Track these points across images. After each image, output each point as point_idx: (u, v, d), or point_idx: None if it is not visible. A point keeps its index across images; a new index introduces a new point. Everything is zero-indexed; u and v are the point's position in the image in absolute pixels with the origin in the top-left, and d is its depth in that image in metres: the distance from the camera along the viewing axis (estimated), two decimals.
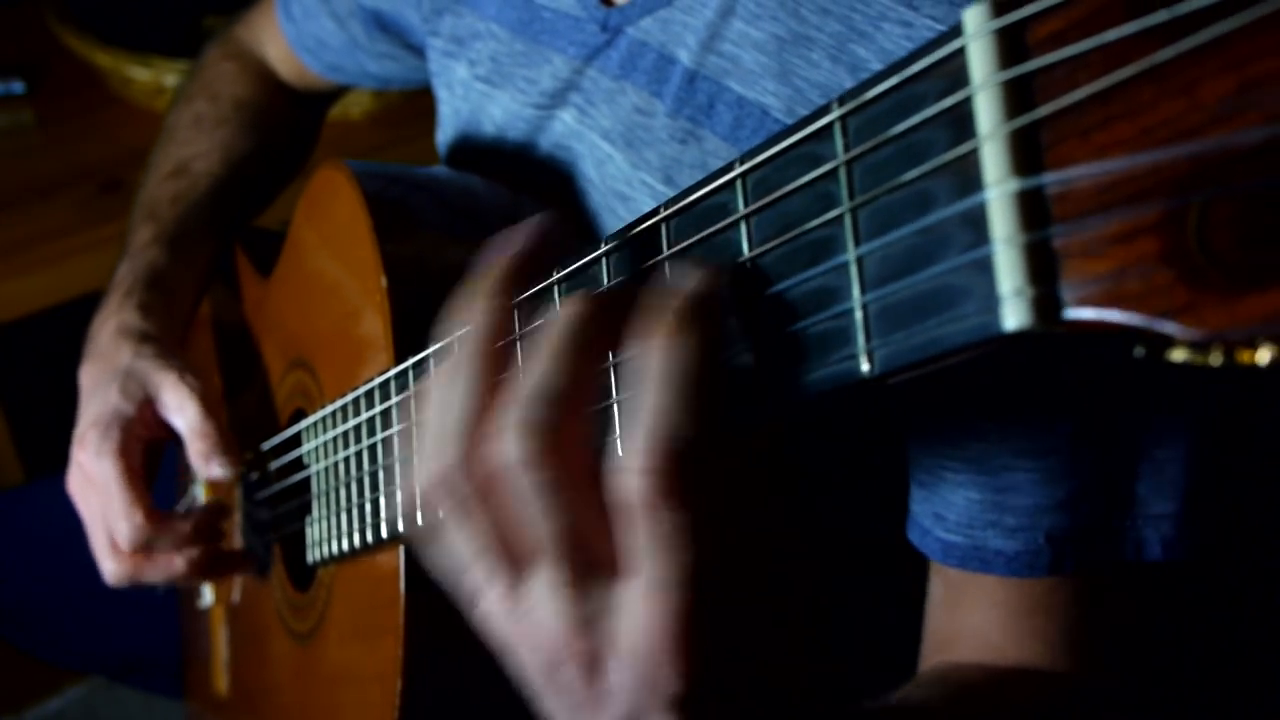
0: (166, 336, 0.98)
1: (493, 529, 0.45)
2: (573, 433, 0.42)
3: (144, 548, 0.91)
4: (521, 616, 0.45)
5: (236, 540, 1.05)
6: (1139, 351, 0.28)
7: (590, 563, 0.43)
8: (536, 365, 0.43)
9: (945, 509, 0.68)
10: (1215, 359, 0.26)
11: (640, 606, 0.42)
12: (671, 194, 0.72)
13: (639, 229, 0.47)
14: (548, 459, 0.41)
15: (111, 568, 0.93)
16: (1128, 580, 0.69)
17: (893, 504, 0.75)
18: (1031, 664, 0.68)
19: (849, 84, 0.64)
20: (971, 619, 0.70)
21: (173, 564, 0.93)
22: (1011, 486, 0.66)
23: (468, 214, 0.82)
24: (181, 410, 0.92)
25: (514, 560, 0.45)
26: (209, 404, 0.92)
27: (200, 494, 1.09)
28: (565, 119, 0.81)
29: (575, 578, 0.43)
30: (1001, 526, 0.66)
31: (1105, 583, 0.69)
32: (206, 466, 0.91)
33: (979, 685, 0.67)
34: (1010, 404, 0.65)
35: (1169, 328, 0.26)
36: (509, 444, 0.41)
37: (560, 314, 0.44)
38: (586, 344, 0.43)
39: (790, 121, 0.66)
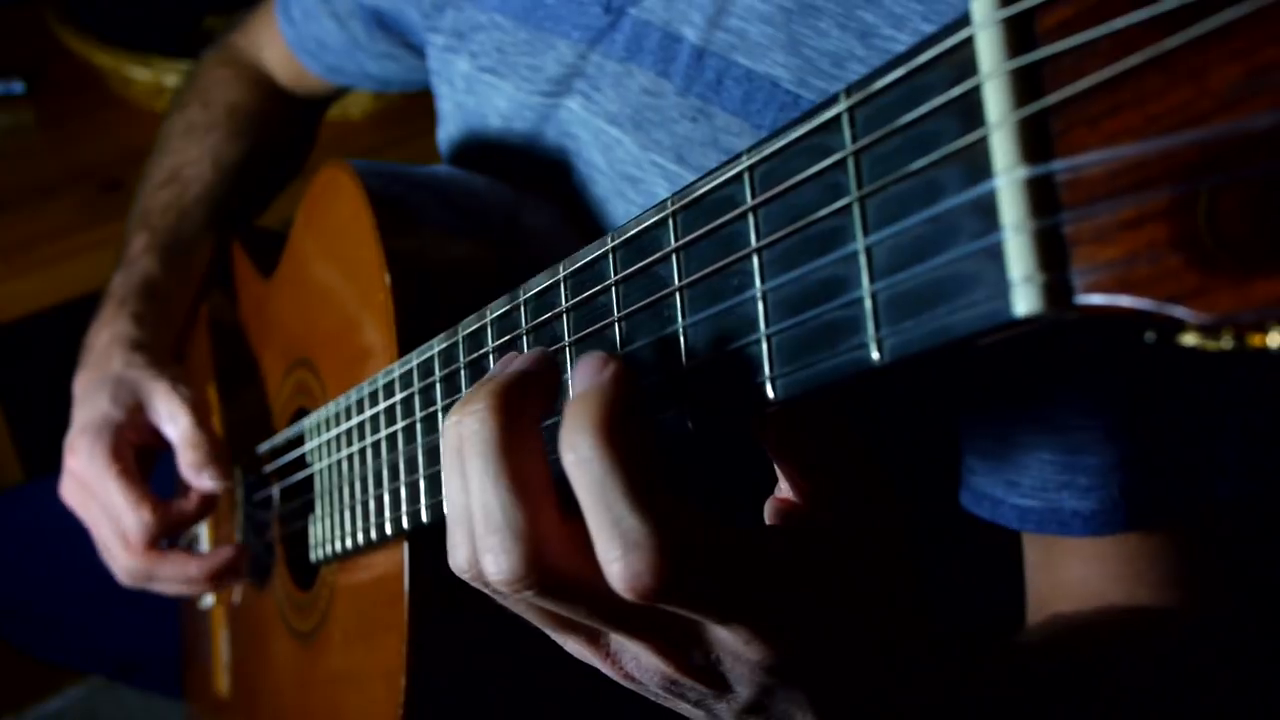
0: (159, 345, 0.99)
1: (542, 614, 0.47)
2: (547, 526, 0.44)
3: (156, 540, 0.92)
4: (621, 663, 0.48)
5: (236, 540, 1.05)
6: (1150, 336, 0.28)
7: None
8: (480, 495, 0.44)
9: (1018, 474, 0.68)
10: (1226, 342, 0.26)
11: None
12: (683, 173, 0.73)
13: (646, 223, 0.47)
14: (528, 569, 0.43)
15: (126, 565, 0.93)
16: (1217, 517, 0.69)
17: (933, 485, 0.75)
18: (1139, 605, 0.68)
19: (860, 51, 0.64)
20: (1071, 573, 0.70)
21: (188, 565, 0.93)
22: (1082, 445, 0.66)
23: (469, 212, 0.83)
24: (174, 420, 0.92)
25: (580, 629, 0.48)
26: (201, 414, 0.93)
27: None
28: (571, 106, 0.81)
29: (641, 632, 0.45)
30: (1075, 487, 0.66)
31: (1195, 523, 0.68)
32: (197, 477, 0.92)
33: (1088, 624, 0.67)
34: (1074, 364, 0.65)
35: (1179, 312, 0.27)
36: (490, 568, 0.44)
37: (469, 435, 0.45)
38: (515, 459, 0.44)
39: (801, 92, 0.67)
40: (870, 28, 0.64)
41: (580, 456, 0.40)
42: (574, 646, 0.49)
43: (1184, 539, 0.68)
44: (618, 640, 0.47)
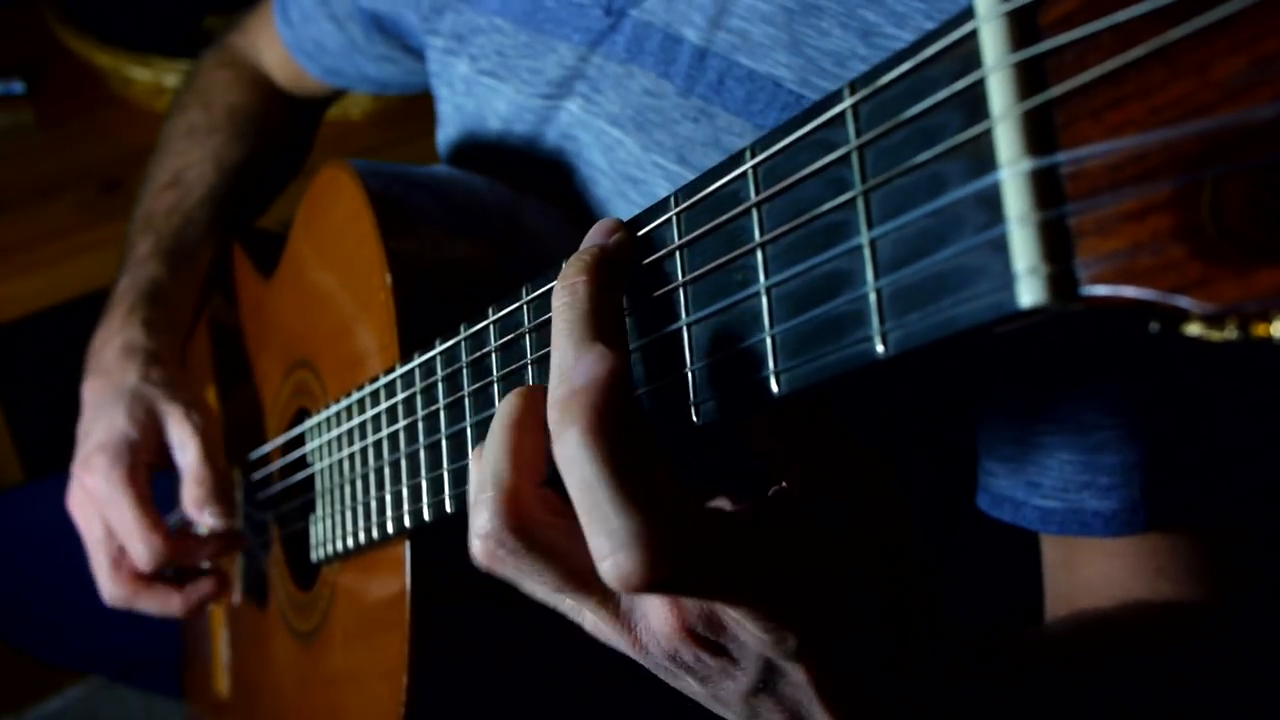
0: (169, 354, 0.99)
1: (547, 571, 0.48)
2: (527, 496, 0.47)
3: (158, 571, 0.93)
4: (632, 623, 0.49)
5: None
6: (1154, 326, 0.28)
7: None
8: (485, 454, 0.49)
9: (1039, 475, 0.68)
10: (1230, 332, 0.26)
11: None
12: (685, 173, 0.73)
13: (650, 222, 0.48)
14: (514, 527, 0.47)
15: (111, 589, 0.94)
16: (1239, 512, 0.68)
17: (946, 489, 0.75)
18: (1162, 599, 0.68)
19: (862, 50, 0.64)
20: (1092, 570, 0.70)
21: (170, 600, 0.95)
22: (1102, 444, 0.66)
23: (469, 212, 0.83)
24: (184, 449, 0.93)
25: (586, 583, 0.48)
26: (210, 444, 0.93)
27: None
28: (571, 108, 0.82)
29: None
30: (1096, 487, 0.66)
31: (1216, 519, 0.68)
32: (200, 514, 0.93)
33: (1110, 617, 0.67)
34: (1095, 362, 0.65)
35: (1183, 302, 0.27)
36: (481, 521, 0.47)
37: (499, 409, 0.49)
38: (520, 433, 0.48)
39: (803, 92, 0.67)
40: (872, 26, 0.64)
41: (568, 454, 0.42)
42: (590, 616, 0.50)
43: (1206, 534, 0.68)
44: (629, 597, 0.48)
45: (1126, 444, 0.65)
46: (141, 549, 0.90)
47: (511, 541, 0.47)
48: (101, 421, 0.94)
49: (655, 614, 0.47)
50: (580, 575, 0.48)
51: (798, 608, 0.44)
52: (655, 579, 0.40)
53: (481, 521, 0.47)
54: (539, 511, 0.47)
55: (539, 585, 0.49)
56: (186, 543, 0.93)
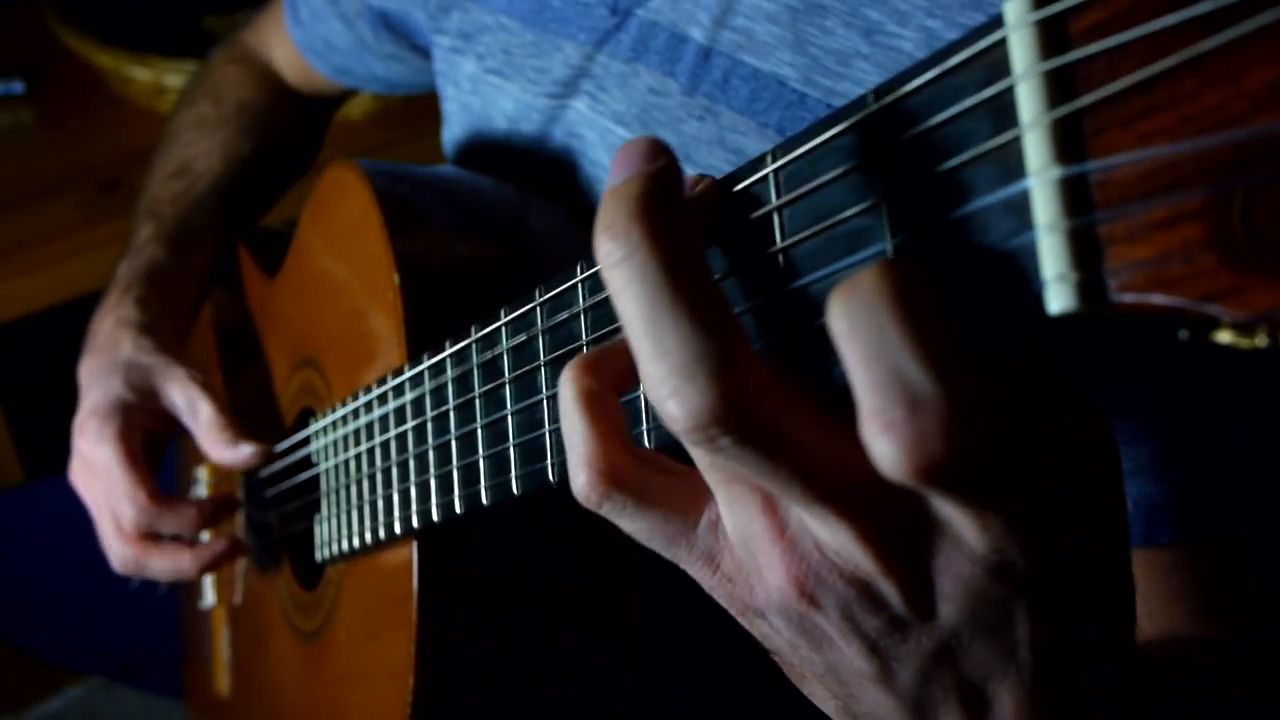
0: (165, 329, 0.98)
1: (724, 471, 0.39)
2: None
3: (150, 531, 0.91)
4: (800, 548, 0.39)
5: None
6: (1183, 334, 0.28)
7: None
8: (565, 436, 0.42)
9: None
10: (1260, 340, 0.26)
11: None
12: (689, 172, 0.73)
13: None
14: (727, 405, 0.35)
15: (119, 552, 0.93)
16: (1248, 539, 0.63)
17: None
18: (1176, 629, 0.63)
19: (864, 49, 0.65)
20: None
21: (180, 557, 0.93)
22: None
23: (476, 212, 0.83)
24: (194, 408, 0.92)
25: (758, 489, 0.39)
26: (217, 397, 0.92)
27: (204, 490, 1.09)
28: (577, 107, 0.82)
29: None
30: None
31: (1225, 543, 0.63)
32: (236, 453, 0.90)
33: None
34: (1090, 366, 0.61)
35: (1214, 310, 0.27)
36: (674, 412, 0.35)
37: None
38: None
39: (807, 91, 0.67)
40: (875, 25, 0.64)
41: (861, 300, 0.33)
42: (738, 517, 0.40)
43: (1218, 559, 0.64)
44: (812, 514, 0.37)
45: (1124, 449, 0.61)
46: (127, 507, 0.90)
47: (732, 441, 0.35)
48: (96, 390, 0.93)
49: (841, 535, 0.37)
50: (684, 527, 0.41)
51: (1051, 521, 0.36)
52: (955, 456, 0.31)
53: (683, 411, 0.35)
54: (774, 392, 0.36)
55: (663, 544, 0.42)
56: (176, 504, 0.92)
